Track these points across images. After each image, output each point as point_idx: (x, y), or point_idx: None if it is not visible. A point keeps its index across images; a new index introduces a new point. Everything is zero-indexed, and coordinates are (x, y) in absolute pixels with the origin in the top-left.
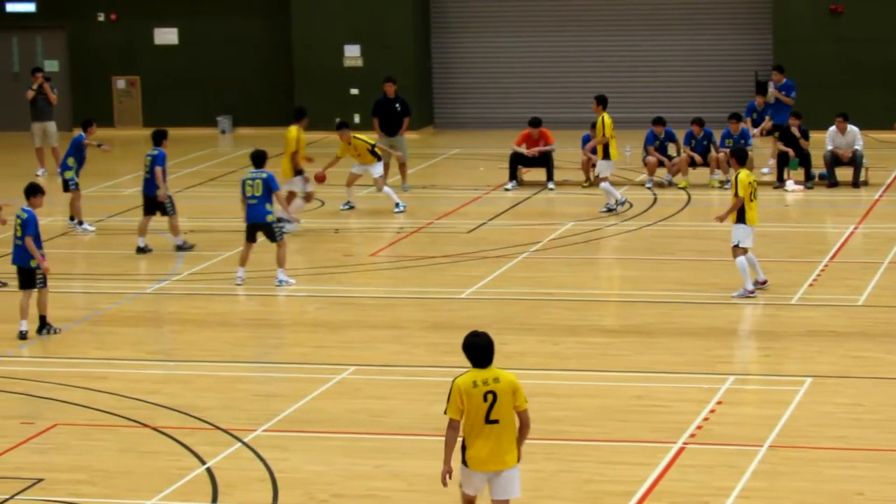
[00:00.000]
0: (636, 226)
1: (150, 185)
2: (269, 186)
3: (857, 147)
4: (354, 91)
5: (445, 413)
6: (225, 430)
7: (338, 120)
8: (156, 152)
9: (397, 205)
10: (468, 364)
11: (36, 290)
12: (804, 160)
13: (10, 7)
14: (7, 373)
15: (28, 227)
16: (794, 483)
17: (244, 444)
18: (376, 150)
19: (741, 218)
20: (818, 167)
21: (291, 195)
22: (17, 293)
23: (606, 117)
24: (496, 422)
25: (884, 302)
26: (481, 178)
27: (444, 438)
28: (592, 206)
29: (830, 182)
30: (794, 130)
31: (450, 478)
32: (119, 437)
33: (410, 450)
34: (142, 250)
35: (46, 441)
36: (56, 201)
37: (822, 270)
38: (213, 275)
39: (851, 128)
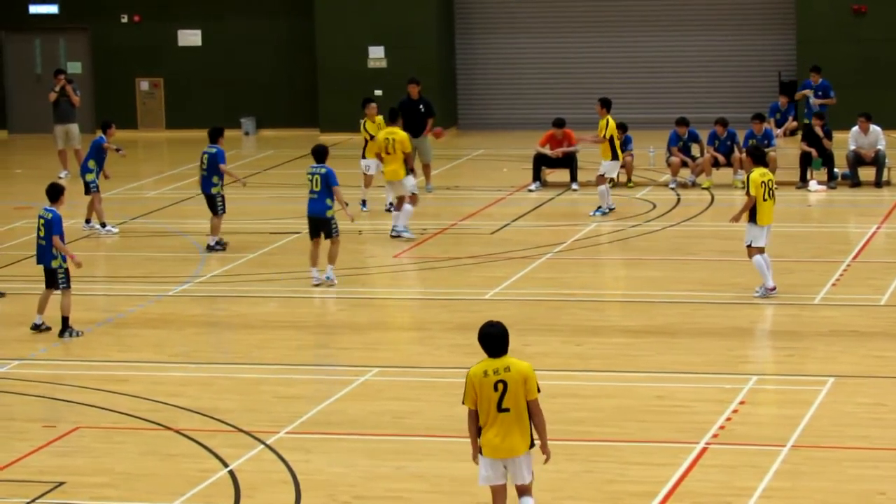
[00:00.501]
0: (660, 226)
1: (206, 183)
2: (328, 182)
3: (879, 147)
4: (378, 92)
5: (463, 403)
6: (247, 433)
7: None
8: (213, 150)
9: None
10: None
11: (59, 291)
12: (827, 160)
13: (33, 9)
14: (29, 376)
15: (54, 227)
16: (817, 483)
17: (267, 446)
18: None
19: (752, 217)
20: (841, 167)
21: (402, 199)
22: (33, 296)
23: (611, 120)
24: (508, 410)
25: None
26: (505, 178)
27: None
28: (617, 207)
29: (853, 182)
30: (818, 130)
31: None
32: (141, 439)
33: (433, 451)
34: (211, 248)
35: (68, 444)
36: (78, 203)
37: (845, 270)
38: (235, 277)
39: (874, 128)
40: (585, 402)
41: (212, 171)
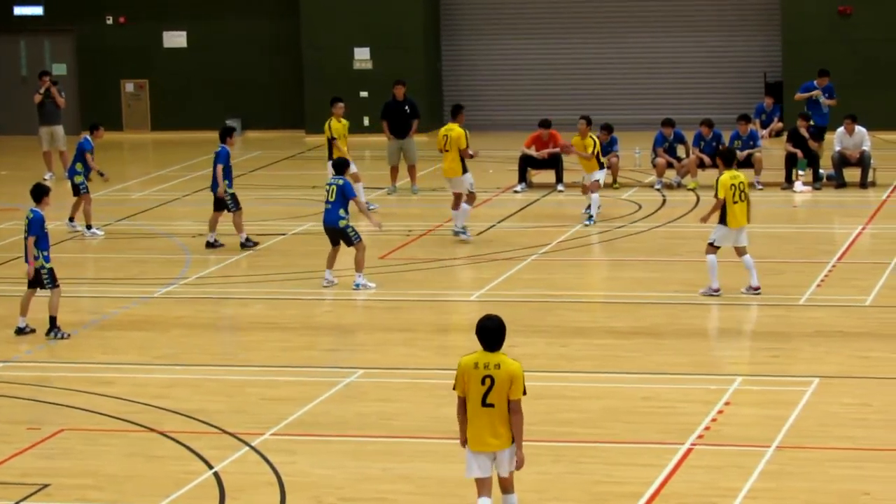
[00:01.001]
0: (645, 227)
1: (213, 184)
2: (344, 193)
3: (864, 148)
4: (364, 94)
5: (454, 389)
6: (233, 434)
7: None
8: (217, 149)
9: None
10: None
11: (47, 290)
12: (812, 161)
13: (18, 10)
14: (13, 378)
15: (32, 227)
16: (802, 483)
17: (252, 447)
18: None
19: (722, 219)
20: (826, 168)
21: (459, 197)
22: (18, 298)
23: (596, 138)
24: (492, 406)
25: (892, 302)
26: (490, 180)
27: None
28: (603, 208)
29: (838, 183)
30: (803, 131)
31: (468, 444)
32: (126, 441)
33: (419, 452)
34: (210, 245)
35: (53, 446)
36: (66, 205)
37: (830, 271)
38: (221, 278)
39: (859, 129)
40: (571, 403)
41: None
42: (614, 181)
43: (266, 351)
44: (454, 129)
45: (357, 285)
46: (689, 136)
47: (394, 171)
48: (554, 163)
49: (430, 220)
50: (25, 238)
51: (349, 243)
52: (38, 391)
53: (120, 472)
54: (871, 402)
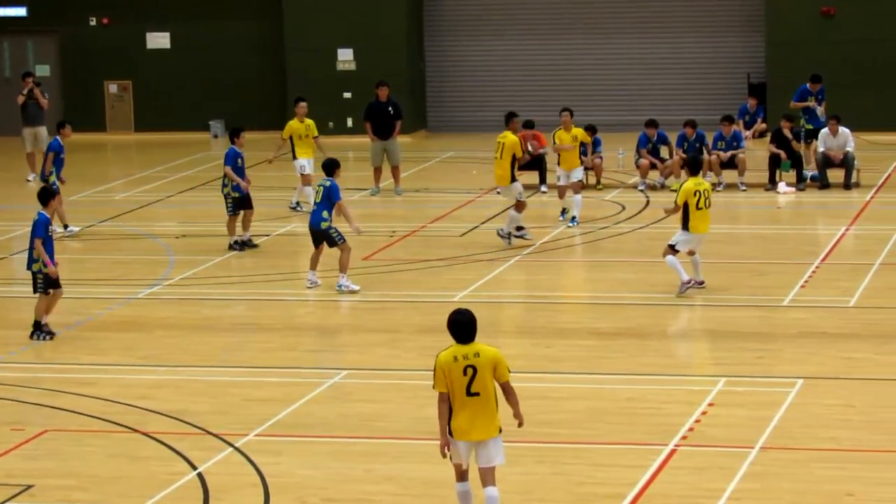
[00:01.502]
0: (629, 228)
1: (222, 184)
2: (329, 195)
3: (848, 149)
4: (347, 95)
5: (434, 388)
6: (216, 435)
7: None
8: (227, 150)
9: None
10: None
11: (38, 293)
12: (796, 162)
13: (1, 11)
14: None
15: (36, 229)
16: (786, 484)
17: (236, 448)
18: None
19: (685, 224)
20: (809, 168)
21: (520, 204)
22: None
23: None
24: (477, 394)
25: (875, 303)
26: (474, 181)
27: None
28: (586, 210)
29: (822, 184)
30: (787, 132)
31: (448, 450)
32: (110, 442)
33: (403, 453)
34: (243, 245)
35: (37, 447)
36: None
37: (814, 272)
38: (204, 279)
39: (843, 130)
40: (555, 404)
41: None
42: (598, 182)
43: (250, 352)
44: (508, 137)
45: (340, 286)
46: (673, 137)
47: (377, 172)
48: (537, 164)
49: (414, 222)
50: (31, 241)
51: (332, 244)
52: (23, 392)
53: (104, 472)
54: (854, 403)
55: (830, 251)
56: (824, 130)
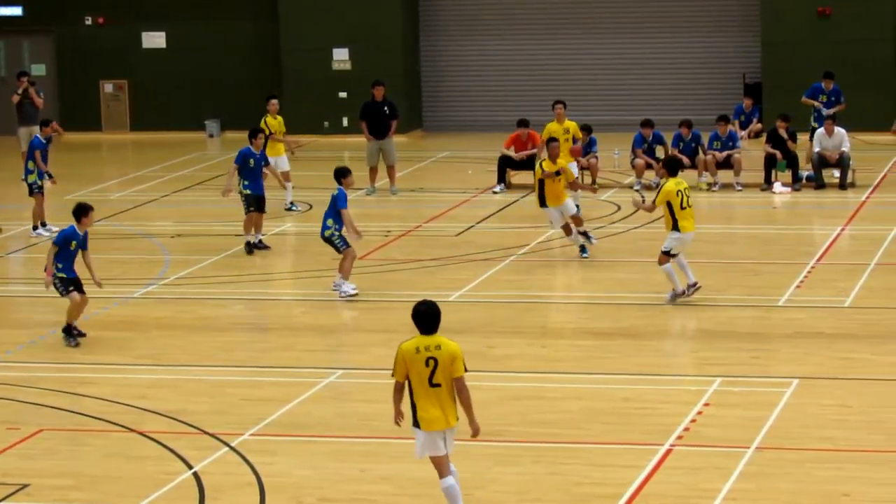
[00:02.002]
0: (624, 228)
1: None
2: (335, 203)
3: (844, 149)
4: (343, 94)
5: (392, 376)
6: (213, 435)
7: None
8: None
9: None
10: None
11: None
12: (791, 162)
13: None
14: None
15: (56, 237)
16: (782, 484)
17: (232, 448)
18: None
19: (675, 226)
20: (805, 169)
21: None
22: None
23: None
24: (439, 385)
25: (871, 303)
26: (469, 181)
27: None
28: (582, 210)
29: (817, 184)
30: (782, 132)
31: (401, 418)
32: (106, 442)
33: (398, 453)
34: (254, 246)
35: (33, 446)
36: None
37: (810, 272)
38: (200, 279)
39: (838, 130)
40: (551, 404)
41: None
42: (593, 182)
43: (246, 351)
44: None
45: (335, 285)
46: (669, 137)
47: (373, 171)
48: (532, 164)
49: (409, 221)
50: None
51: (337, 251)
52: (19, 391)
53: (100, 472)
54: (850, 403)
55: (826, 251)
56: (820, 130)
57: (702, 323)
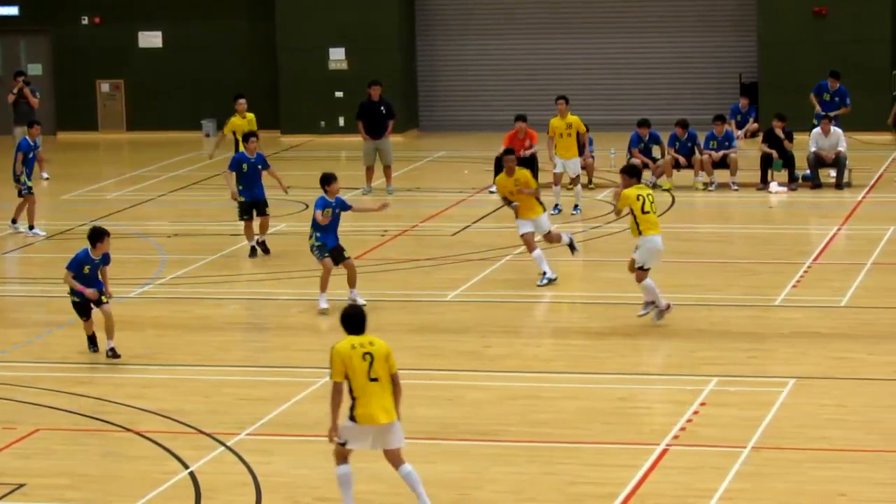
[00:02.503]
0: (619, 228)
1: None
2: (314, 210)
3: (840, 148)
4: (339, 94)
5: (331, 378)
6: (209, 434)
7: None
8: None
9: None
10: (451, 367)
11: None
12: (788, 162)
13: None
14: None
15: (69, 261)
16: (778, 484)
17: (228, 448)
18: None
19: (638, 230)
20: (802, 168)
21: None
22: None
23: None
24: (377, 380)
25: (867, 303)
26: (466, 180)
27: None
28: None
29: (814, 183)
30: (778, 132)
31: (337, 436)
32: (102, 441)
33: None
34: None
35: (29, 446)
36: (37, 206)
37: (806, 272)
38: (196, 278)
39: (835, 129)
40: (547, 404)
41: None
42: (589, 181)
43: (242, 351)
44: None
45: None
46: (665, 137)
47: (369, 171)
48: (529, 163)
49: (406, 221)
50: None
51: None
52: (15, 391)
53: (96, 471)
54: (847, 403)
55: (822, 251)
56: (816, 130)
57: (697, 323)
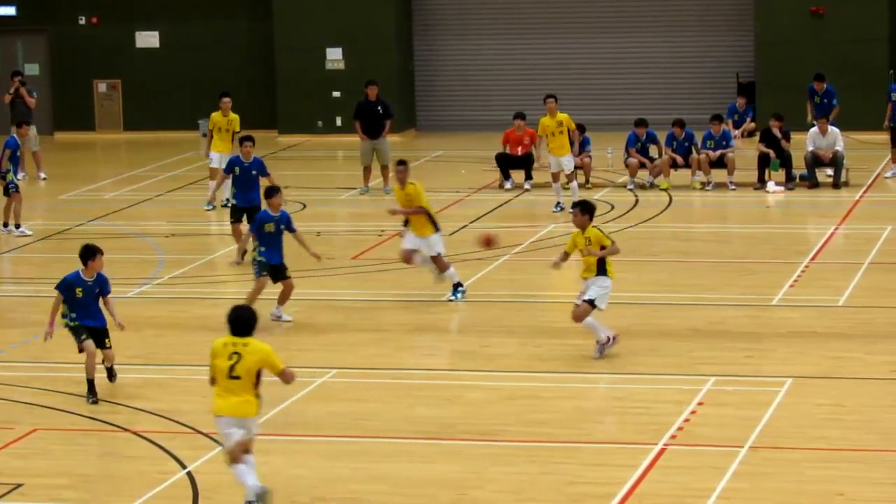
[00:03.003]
0: (618, 227)
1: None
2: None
3: (838, 148)
4: (336, 94)
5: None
6: (206, 434)
7: None
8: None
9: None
10: (451, 366)
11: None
12: (785, 161)
13: None
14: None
15: (58, 282)
16: (776, 484)
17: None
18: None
19: (603, 270)
20: (799, 168)
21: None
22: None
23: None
24: (238, 378)
25: (864, 302)
26: (463, 180)
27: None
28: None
29: (811, 183)
30: (776, 131)
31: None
32: (100, 441)
33: (392, 452)
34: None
35: (26, 446)
36: (35, 206)
37: (803, 271)
38: (193, 278)
39: (832, 129)
40: (545, 404)
41: None
42: (587, 181)
43: None
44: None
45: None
46: (662, 137)
47: (367, 171)
48: (525, 161)
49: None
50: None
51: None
52: (12, 390)
53: (94, 471)
54: (844, 403)
55: (820, 250)
56: (813, 129)
57: (695, 322)
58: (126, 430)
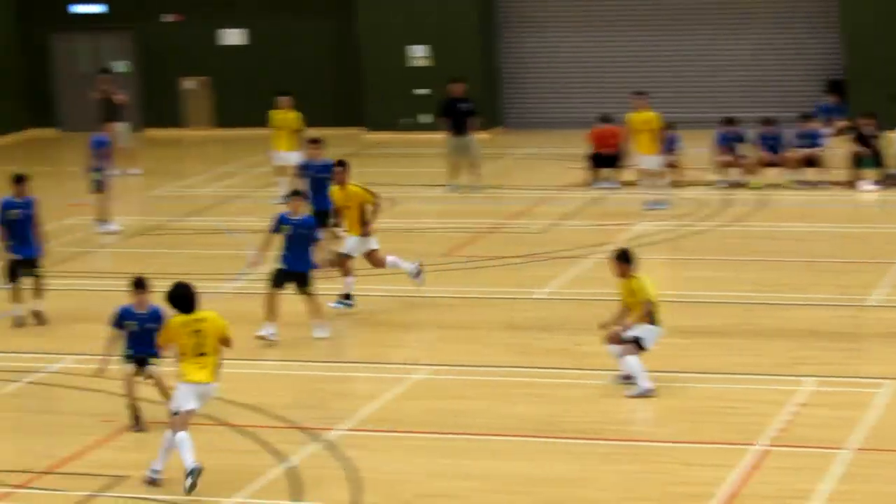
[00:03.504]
0: (709, 226)
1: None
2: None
3: None
4: (421, 91)
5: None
6: (305, 429)
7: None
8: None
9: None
10: (546, 364)
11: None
12: (878, 160)
13: (80, 8)
14: (90, 371)
15: (112, 317)
16: (879, 486)
17: (324, 442)
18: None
19: (653, 319)
20: (893, 167)
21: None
22: (85, 292)
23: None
24: (204, 354)
25: None
26: (551, 177)
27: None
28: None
29: None
30: (868, 129)
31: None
32: (199, 434)
33: (493, 450)
34: None
35: (127, 438)
36: (126, 200)
37: None
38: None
39: None
40: (643, 403)
41: None
42: (677, 180)
43: (333, 347)
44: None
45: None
46: (751, 135)
47: (454, 168)
48: (614, 160)
49: (493, 218)
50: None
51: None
52: (113, 384)
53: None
54: None
55: None
56: None
57: (791, 322)
58: (225, 423)
